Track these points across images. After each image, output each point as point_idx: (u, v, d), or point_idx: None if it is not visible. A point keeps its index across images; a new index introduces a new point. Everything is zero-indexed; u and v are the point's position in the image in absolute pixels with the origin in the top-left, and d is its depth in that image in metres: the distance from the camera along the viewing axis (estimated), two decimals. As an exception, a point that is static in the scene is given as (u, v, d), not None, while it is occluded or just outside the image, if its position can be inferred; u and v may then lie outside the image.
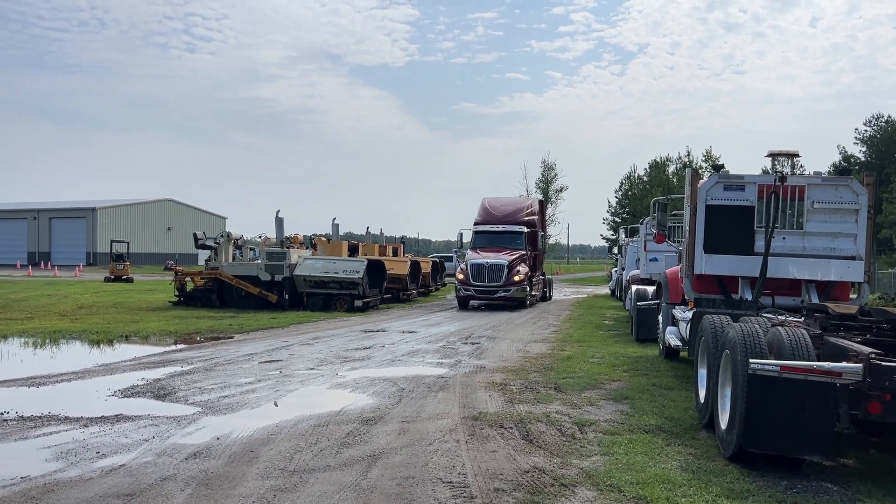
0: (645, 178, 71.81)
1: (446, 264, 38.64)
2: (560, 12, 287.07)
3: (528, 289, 24.20)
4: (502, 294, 23.49)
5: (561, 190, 77.03)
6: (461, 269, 24.65)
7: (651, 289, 15.15)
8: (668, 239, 13.24)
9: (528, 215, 26.67)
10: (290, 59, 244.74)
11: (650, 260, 20.84)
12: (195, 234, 24.37)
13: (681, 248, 11.28)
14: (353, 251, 27.29)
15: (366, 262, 22.61)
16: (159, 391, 8.99)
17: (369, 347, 13.46)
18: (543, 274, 29.91)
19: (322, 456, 6.12)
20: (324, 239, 27.67)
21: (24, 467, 5.75)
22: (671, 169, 69.62)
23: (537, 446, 6.48)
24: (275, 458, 6.06)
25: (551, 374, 10.38)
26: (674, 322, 11.17)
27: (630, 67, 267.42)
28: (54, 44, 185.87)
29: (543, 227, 30.07)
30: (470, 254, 25.02)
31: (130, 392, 8.95)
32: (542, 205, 30.77)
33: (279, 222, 23.61)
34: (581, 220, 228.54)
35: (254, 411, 7.99)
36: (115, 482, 5.38)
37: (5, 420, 7.35)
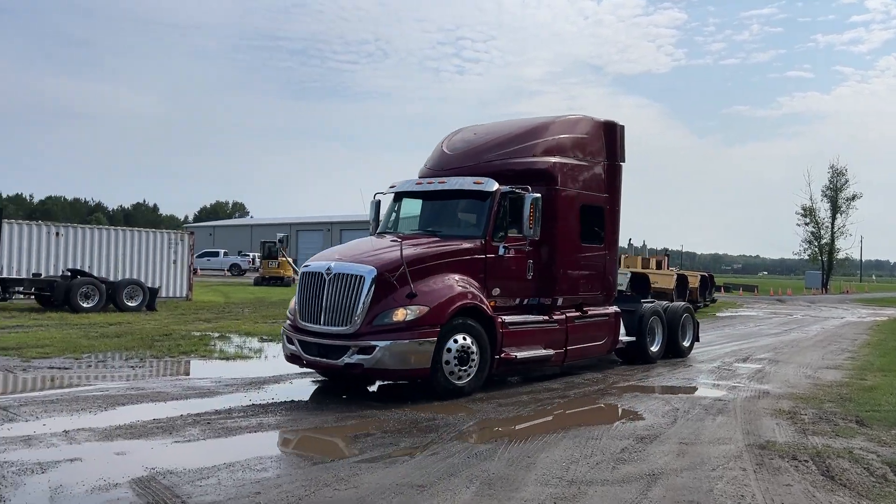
0: (964, 184, 61.10)
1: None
2: (852, 0, 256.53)
3: (445, 345, 8.95)
4: (355, 359, 8.73)
5: (853, 198, 68.76)
6: None
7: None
8: None
9: (542, 154, 10.92)
10: (553, 74, 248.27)
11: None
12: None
13: None
14: (616, 263, 26.82)
15: (629, 275, 22.16)
16: (439, 391, 9.58)
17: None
18: (638, 302, 13.33)
19: (598, 469, 6.07)
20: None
21: (332, 450, 6.46)
22: None
23: (840, 485, 5.78)
24: (551, 465, 6.14)
25: (850, 406, 9.23)
26: None
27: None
28: (345, 75, 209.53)
29: (612, 189, 12.10)
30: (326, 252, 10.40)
31: (414, 390, 9.64)
32: (613, 132, 12.14)
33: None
34: (878, 233, 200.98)
35: (525, 418, 8.20)
36: (407, 472, 5.83)
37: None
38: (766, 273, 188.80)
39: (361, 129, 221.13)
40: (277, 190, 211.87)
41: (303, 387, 9.74)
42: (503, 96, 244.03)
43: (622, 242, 17.96)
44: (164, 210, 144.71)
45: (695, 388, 10.56)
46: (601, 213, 11.81)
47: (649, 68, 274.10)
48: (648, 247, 33.48)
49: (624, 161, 12.19)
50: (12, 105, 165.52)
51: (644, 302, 13.46)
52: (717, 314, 28.34)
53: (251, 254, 62.63)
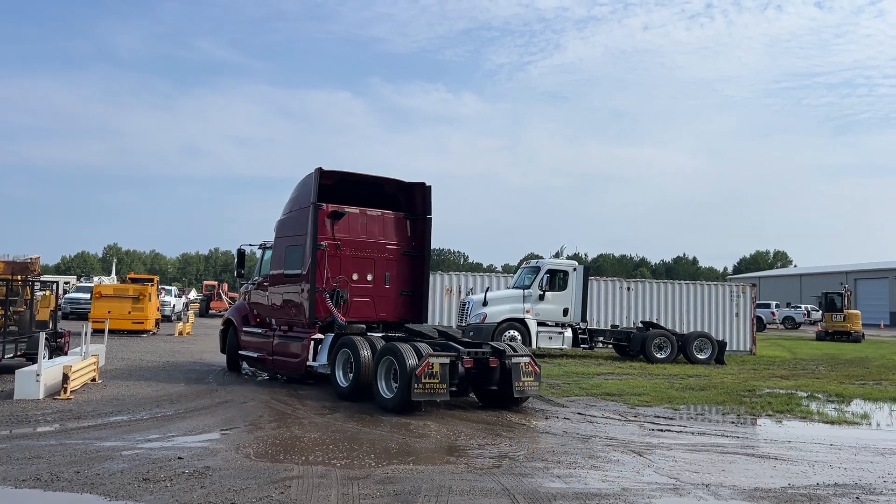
0: None
1: None
2: None
3: None
4: None
5: None
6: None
7: None
8: None
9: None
10: None
11: None
12: None
13: None
14: None
15: None
16: None
17: None
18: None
19: None
20: None
21: None
22: None
23: None
24: None
25: None
26: None
27: None
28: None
29: (310, 229, 13.24)
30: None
31: None
32: (316, 180, 13.15)
33: None
34: None
35: None
36: None
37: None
38: None
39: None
40: (823, 235, 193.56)
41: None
42: None
43: None
44: (704, 262, 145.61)
45: None
46: (301, 251, 13.46)
47: None
48: None
49: (321, 207, 13.14)
50: (574, 173, 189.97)
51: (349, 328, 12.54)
52: None
53: (802, 306, 58.27)
